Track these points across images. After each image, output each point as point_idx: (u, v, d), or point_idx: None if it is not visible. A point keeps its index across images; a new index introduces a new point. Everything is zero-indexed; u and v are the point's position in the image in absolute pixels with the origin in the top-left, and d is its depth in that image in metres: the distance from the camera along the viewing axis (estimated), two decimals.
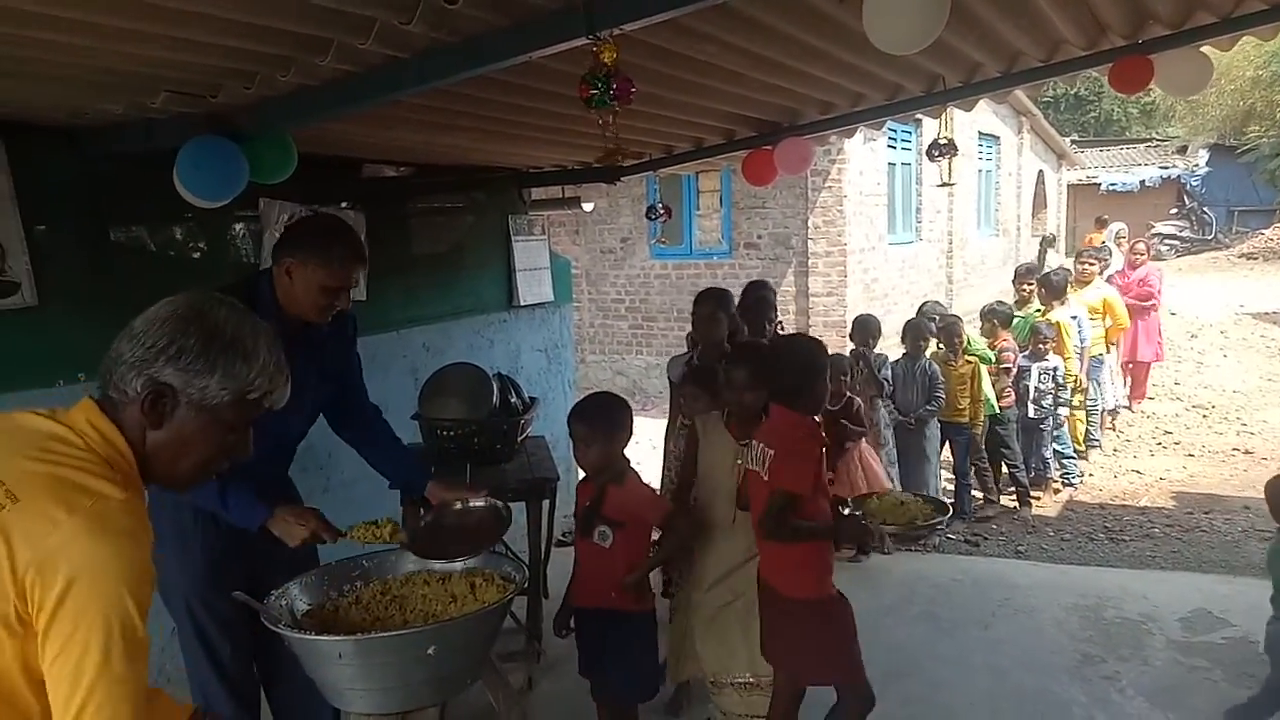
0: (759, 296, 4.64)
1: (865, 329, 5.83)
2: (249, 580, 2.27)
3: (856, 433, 4.96)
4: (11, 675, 1.25)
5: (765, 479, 2.66)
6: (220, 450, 1.44)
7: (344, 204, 4.44)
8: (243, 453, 1.46)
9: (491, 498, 2.62)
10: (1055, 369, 6.29)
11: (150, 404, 1.35)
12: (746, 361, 2.95)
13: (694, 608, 3.07)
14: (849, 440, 4.93)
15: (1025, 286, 7.01)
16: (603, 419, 2.81)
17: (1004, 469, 6.31)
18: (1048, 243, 14.01)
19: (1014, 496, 6.30)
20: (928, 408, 5.66)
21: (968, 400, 5.93)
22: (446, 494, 2.62)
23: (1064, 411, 6.56)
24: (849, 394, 5.01)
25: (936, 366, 5.76)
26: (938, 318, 6.27)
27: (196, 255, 3.81)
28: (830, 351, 5.36)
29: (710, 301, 3.98)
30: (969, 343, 6.06)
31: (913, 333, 5.87)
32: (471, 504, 2.58)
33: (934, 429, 5.81)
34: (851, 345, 5.88)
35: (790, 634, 2.71)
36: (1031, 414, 6.32)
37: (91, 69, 2.41)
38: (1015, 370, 6.23)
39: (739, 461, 2.90)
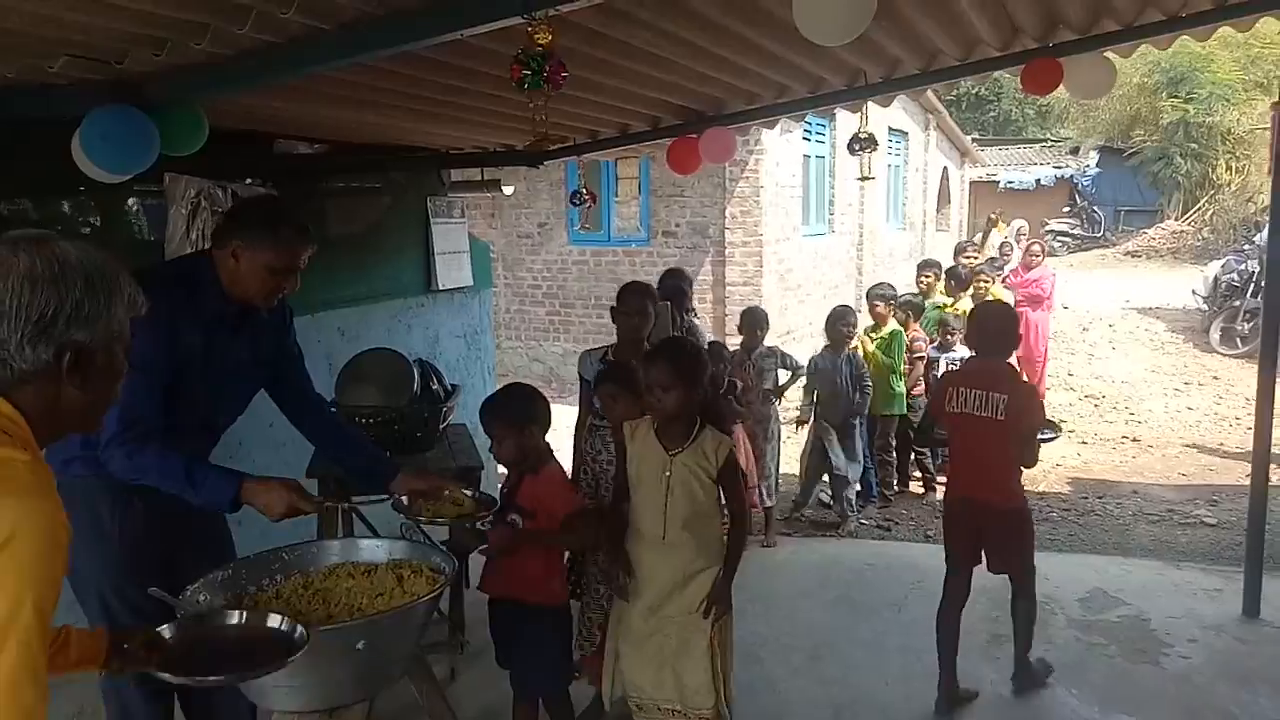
0: (675, 286, 4.62)
1: (754, 321, 5.53)
2: (166, 569, 2.17)
3: (737, 413, 4.98)
4: None
5: (1002, 419, 3.25)
6: (121, 375, 1.41)
7: (251, 180, 4.25)
8: (123, 370, 1.43)
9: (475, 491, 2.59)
10: (962, 359, 6.50)
11: (73, 367, 1.30)
12: (665, 359, 2.67)
13: (624, 628, 2.79)
14: (732, 423, 4.98)
15: (925, 278, 7.15)
16: (515, 412, 2.77)
17: (911, 455, 6.50)
18: (991, 224, 14.37)
19: (920, 482, 6.51)
20: (859, 400, 5.67)
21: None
22: (422, 485, 2.54)
23: None
24: (730, 380, 5.04)
25: (861, 355, 5.82)
26: (880, 300, 6.21)
27: (87, 231, 3.60)
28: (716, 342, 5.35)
29: (640, 294, 3.67)
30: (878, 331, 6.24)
31: (835, 322, 5.78)
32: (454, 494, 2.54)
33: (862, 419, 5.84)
34: (741, 340, 5.60)
35: (1007, 537, 3.42)
36: None
37: None
38: (925, 360, 6.41)
39: (666, 474, 2.65)
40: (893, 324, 6.17)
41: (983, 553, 3.46)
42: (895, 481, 6.43)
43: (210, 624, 1.86)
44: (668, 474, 2.65)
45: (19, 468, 1.21)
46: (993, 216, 15.04)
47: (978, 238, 13.35)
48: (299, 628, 1.81)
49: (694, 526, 2.66)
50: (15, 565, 1.14)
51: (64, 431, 1.37)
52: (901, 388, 6.15)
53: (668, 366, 2.64)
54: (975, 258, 8.07)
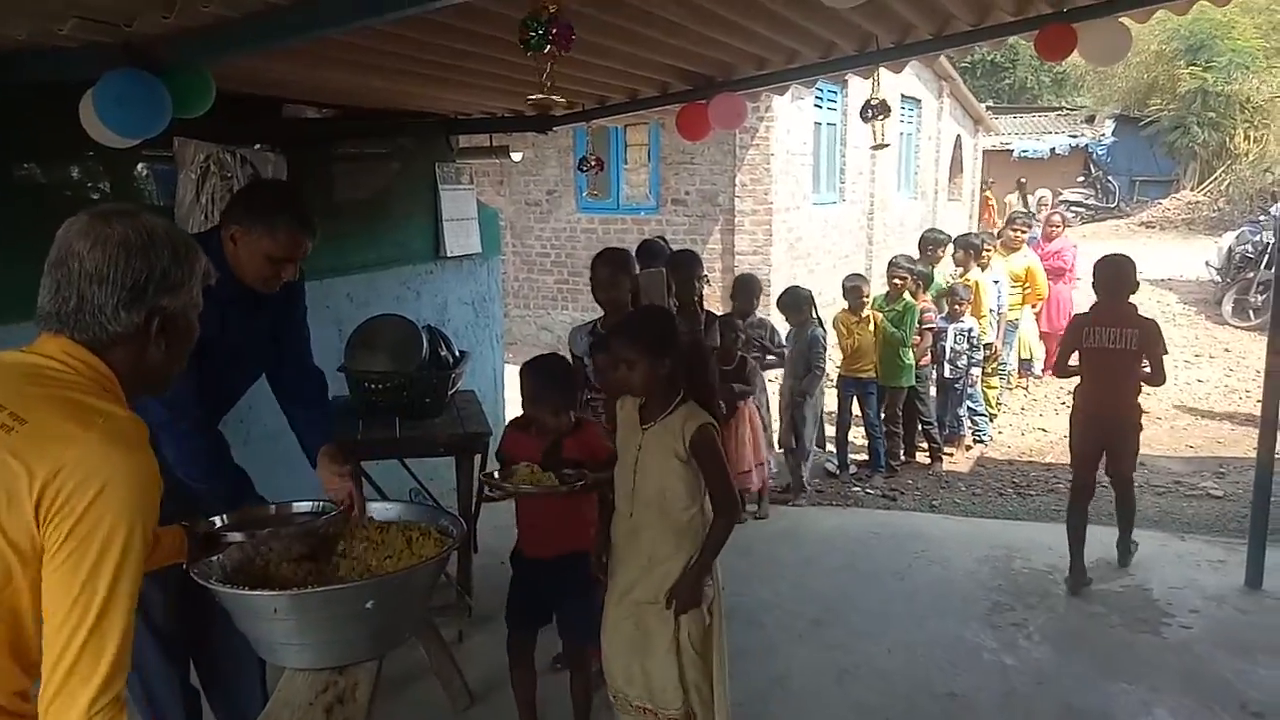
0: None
1: (748, 289, 5.48)
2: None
3: (745, 392, 4.99)
4: (23, 618, 1.28)
5: (1135, 349, 4.13)
6: (194, 340, 1.51)
7: (257, 146, 4.24)
8: (196, 334, 1.53)
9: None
10: (970, 330, 6.49)
11: (160, 332, 1.41)
12: (624, 331, 2.54)
13: (606, 605, 2.66)
14: (739, 399, 4.94)
15: (936, 252, 6.97)
16: (570, 383, 2.88)
17: (918, 426, 6.50)
18: (1024, 189, 14.13)
19: (927, 453, 6.52)
20: (813, 373, 5.59)
21: (876, 356, 6.03)
22: (335, 470, 2.41)
23: (977, 371, 6.77)
24: (740, 354, 4.98)
25: (819, 332, 5.66)
26: (906, 273, 6.17)
27: (97, 196, 3.61)
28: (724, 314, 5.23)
29: (608, 264, 3.58)
30: (878, 303, 6.20)
31: (791, 302, 5.69)
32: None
33: (815, 394, 5.75)
34: (734, 306, 5.52)
35: (1126, 440, 4.33)
36: (947, 373, 6.52)
37: None
38: (934, 331, 6.39)
39: (637, 448, 2.50)
40: (907, 297, 6.13)
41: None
42: (902, 452, 6.45)
43: (252, 514, 2.20)
44: (638, 448, 2.50)
45: (123, 421, 1.32)
46: (1020, 181, 14.83)
47: (1014, 202, 12.99)
48: (323, 503, 2.20)
49: (661, 507, 2.47)
50: (117, 505, 1.25)
51: (142, 392, 1.46)
52: (910, 360, 6.13)
53: (626, 339, 2.47)
54: (1027, 229, 7.91)
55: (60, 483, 1.22)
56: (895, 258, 6.42)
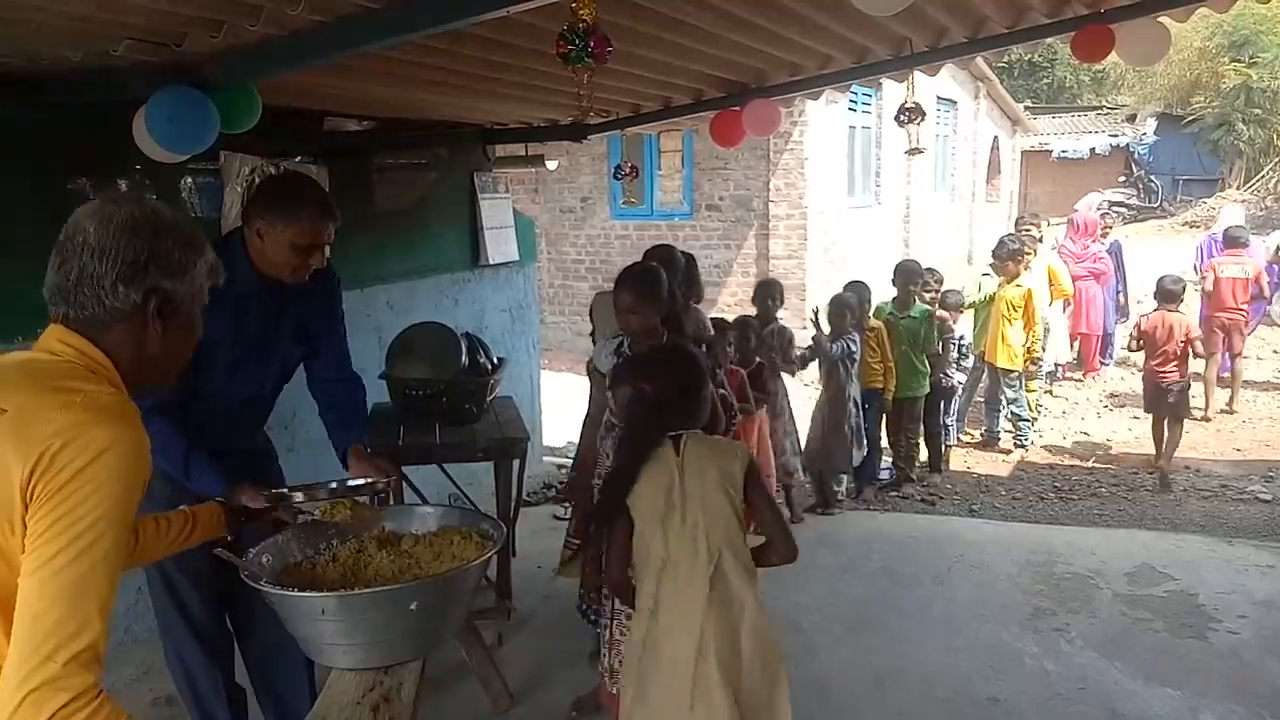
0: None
1: (766, 294, 5.38)
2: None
3: (759, 399, 4.65)
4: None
5: None
6: (197, 334, 1.53)
7: (300, 158, 4.34)
8: (200, 330, 1.54)
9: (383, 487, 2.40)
10: (961, 338, 6.38)
11: (158, 312, 1.42)
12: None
13: None
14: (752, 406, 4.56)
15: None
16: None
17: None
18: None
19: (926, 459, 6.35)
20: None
21: (879, 365, 5.73)
22: (360, 469, 2.47)
23: (961, 377, 6.60)
24: (758, 359, 4.78)
25: (855, 337, 5.48)
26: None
27: None
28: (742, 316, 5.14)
29: (628, 291, 2.99)
30: (883, 309, 6.01)
31: (836, 308, 5.48)
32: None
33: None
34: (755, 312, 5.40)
35: None
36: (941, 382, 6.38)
37: (49, 12, 2.32)
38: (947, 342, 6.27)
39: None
40: (919, 303, 5.96)
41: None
42: (942, 461, 6.37)
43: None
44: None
45: (104, 397, 1.32)
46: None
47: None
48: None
49: None
50: (102, 476, 1.23)
51: (146, 380, 1.47)
52: (926, 367, 5.93)
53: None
54: (1019, 259, 7.72)
55: (40, 460, 1.21)
56: (906, 263, 6.20)
